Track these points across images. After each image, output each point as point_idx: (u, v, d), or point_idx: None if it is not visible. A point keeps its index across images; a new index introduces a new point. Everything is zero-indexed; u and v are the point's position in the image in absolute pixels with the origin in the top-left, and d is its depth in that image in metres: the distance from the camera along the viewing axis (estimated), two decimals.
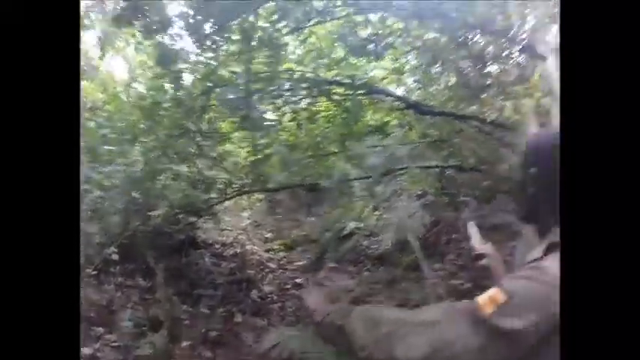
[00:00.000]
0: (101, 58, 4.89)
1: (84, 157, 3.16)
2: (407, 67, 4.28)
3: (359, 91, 3.74)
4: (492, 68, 3.51)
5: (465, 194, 4.37)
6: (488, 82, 3.41)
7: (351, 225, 5.27)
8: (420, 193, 4.64)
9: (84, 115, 3.77)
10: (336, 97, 3.85)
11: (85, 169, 3.12)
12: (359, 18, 3.49)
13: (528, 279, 0.77)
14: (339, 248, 5.10)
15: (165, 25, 2.96)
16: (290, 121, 3.98)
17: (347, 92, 3.78)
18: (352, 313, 0.94)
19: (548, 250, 0.83)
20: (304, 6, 3.18)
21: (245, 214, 6.11)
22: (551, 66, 2.50)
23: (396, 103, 3.90)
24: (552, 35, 2.78)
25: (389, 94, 3.94)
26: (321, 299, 1.10)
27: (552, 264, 0.77)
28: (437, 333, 0.77)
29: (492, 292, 0.78)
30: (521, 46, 2.83)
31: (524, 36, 2.71)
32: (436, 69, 3.96)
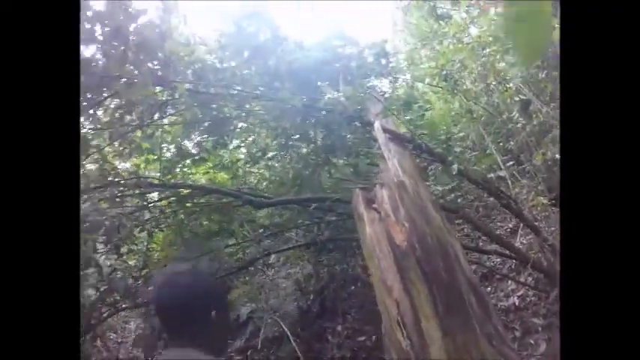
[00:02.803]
0: None
1: None
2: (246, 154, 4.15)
3: (199, 193, 3.64)
4: None
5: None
6: None
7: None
8: (290, 272, 4.81)
9: None
10: (172, 203, 3.63)
11: None
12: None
13: None
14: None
15: None
16: (140, 232, 3.48)
17: (186, 195, 3.60)
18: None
19: None
20: (148, 99, 2.79)
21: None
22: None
23: (233, 200, 3.63)
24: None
25: (226, 193, 3.67)
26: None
27: None
28: None
29: None
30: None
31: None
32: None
